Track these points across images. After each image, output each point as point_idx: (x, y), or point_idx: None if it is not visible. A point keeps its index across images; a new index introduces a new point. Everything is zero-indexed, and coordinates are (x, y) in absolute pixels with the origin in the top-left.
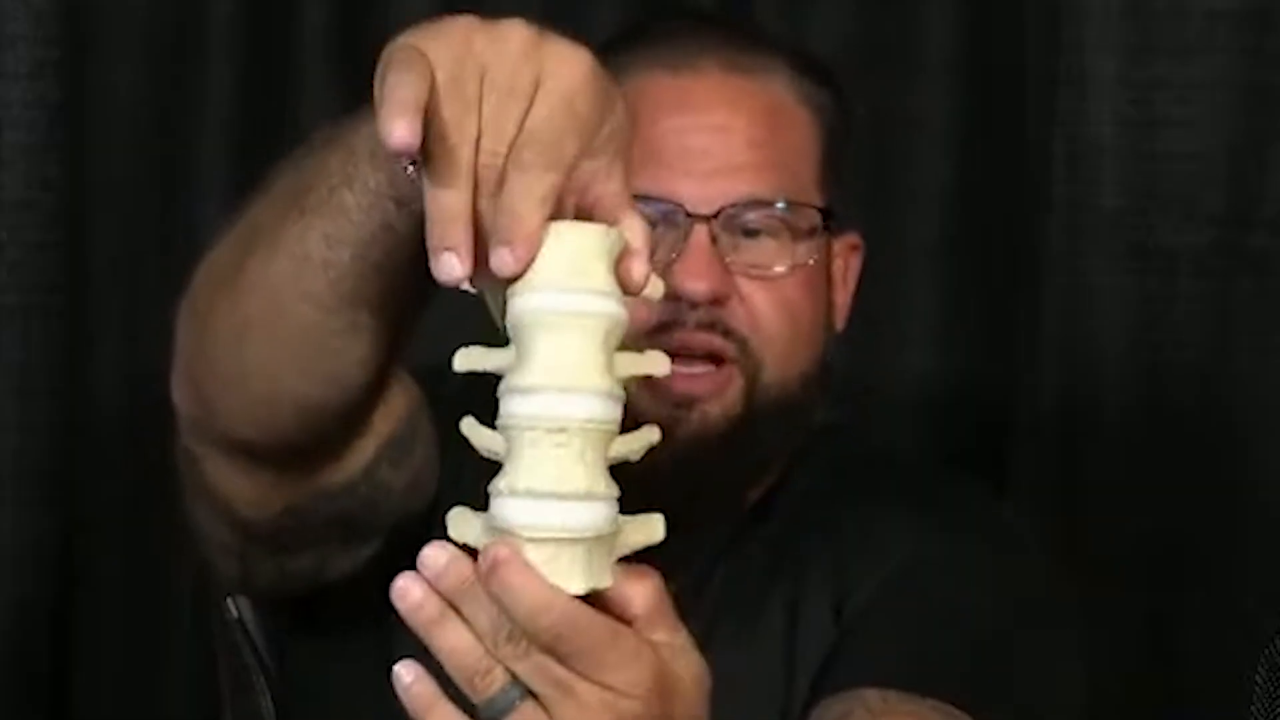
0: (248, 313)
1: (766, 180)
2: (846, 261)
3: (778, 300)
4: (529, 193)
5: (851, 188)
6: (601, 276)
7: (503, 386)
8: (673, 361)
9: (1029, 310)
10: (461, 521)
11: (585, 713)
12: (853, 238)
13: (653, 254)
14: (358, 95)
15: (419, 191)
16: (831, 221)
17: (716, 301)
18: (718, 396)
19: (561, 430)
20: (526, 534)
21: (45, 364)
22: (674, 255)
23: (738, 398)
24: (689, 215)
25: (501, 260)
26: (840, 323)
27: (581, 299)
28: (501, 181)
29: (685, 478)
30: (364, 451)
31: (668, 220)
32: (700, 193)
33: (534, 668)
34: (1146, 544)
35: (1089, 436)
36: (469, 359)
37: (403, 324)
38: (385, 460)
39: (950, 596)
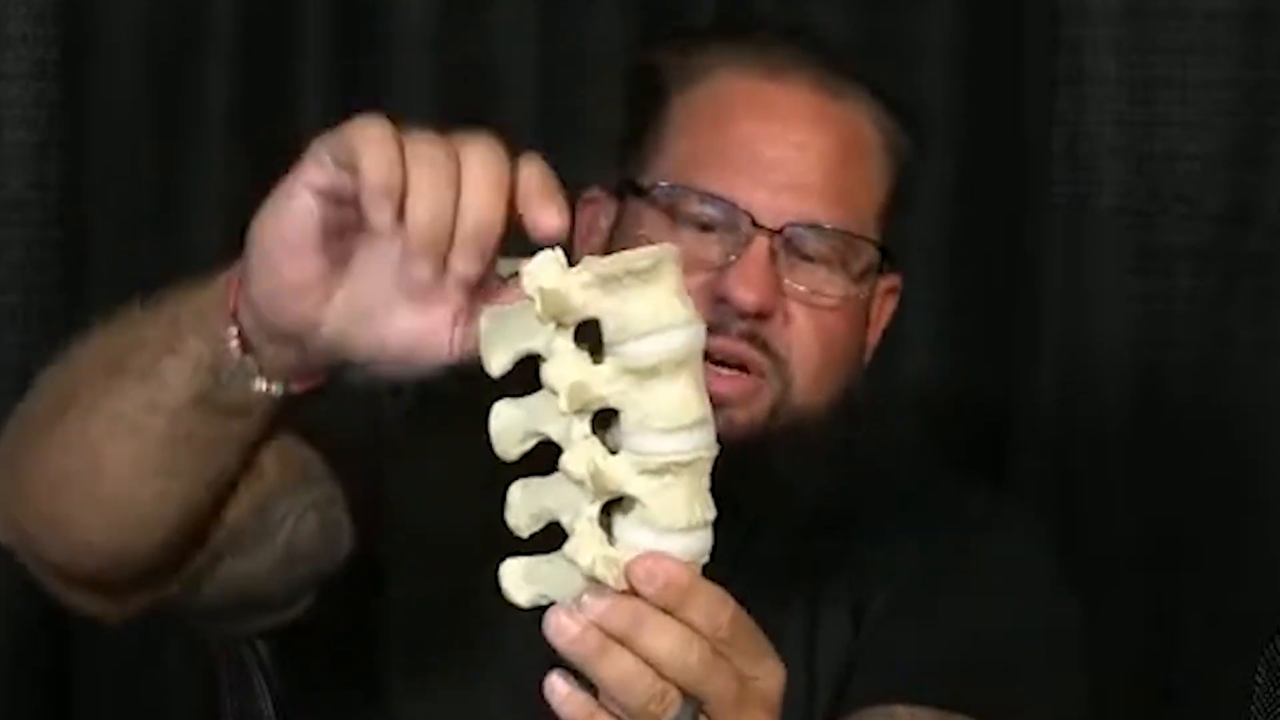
0: (63, 467)
1: (832, 206)
2: (884, 302)
3: (821, 329)
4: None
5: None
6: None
7: (643, 426)
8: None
9: (1028, 310)
10: (558, 573)
11: (748, 710)
12: (893, 280)
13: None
14: (358, 95)
15: (238, 368)
16: (885, 263)
17: (761, 315)
18: (746, 404)
19: (707, 459)
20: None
21: (45, 364)
22: (732, 259)
23: (765, 410)
24: (755, 225)
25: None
26: (866, 360)
27: (695, 331)
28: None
29: None
30: (195, 561)
31: (730, 224)
32: (769, 204)
33: (728, 671)
34: (1145, 543)
35: (1088, 436)
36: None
37: (218, 491)
38: (227, 556)
39: (968, 605)
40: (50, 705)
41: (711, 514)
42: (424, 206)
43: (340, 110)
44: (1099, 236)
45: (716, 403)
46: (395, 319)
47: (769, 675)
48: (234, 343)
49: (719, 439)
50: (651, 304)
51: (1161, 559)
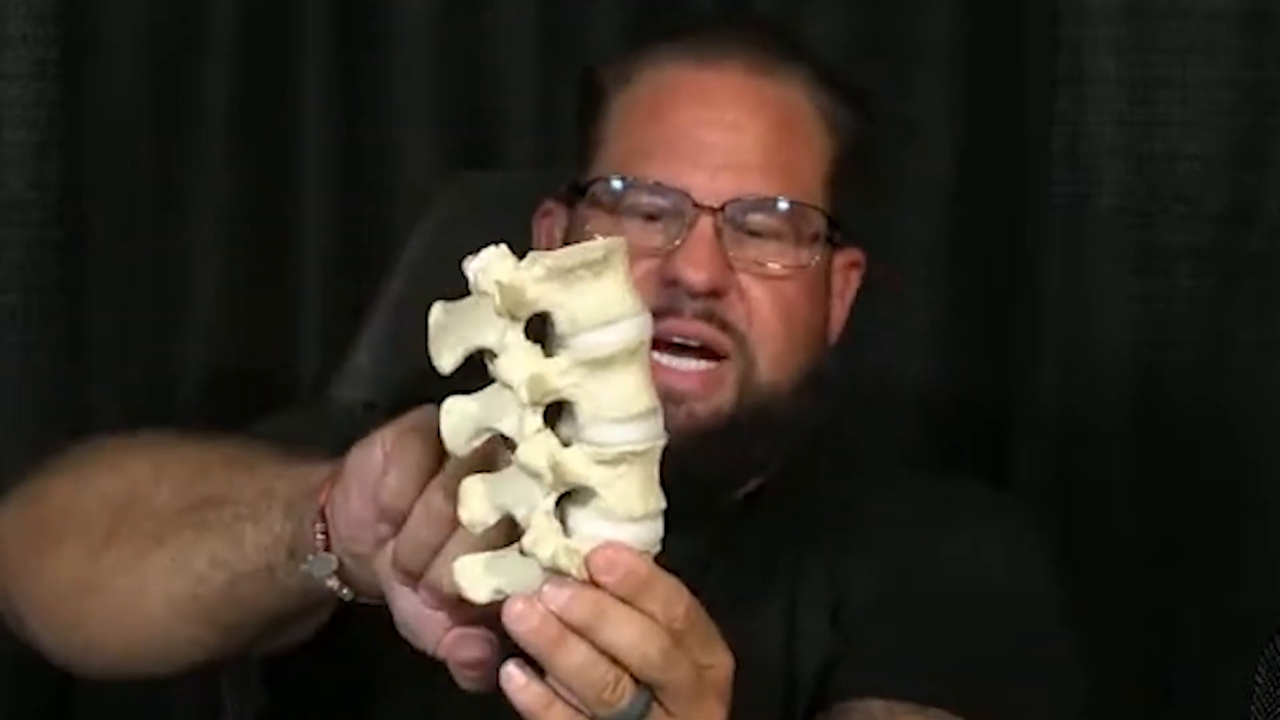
0: (99, 581)
1: (773, 180)
2: (846, 277)
3: (776, 299)
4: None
5: (864, 204)
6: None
7: (598, 417)
8: (666, 350)
9: (1028, 310)
10: (516, 567)
11: (704, 699)
12: (854, 254)
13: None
14: (358, 95)
15: (318, 560)
16: (835, 232)
17: (714, 294)
18: (707, 397)
19: (658, 449)
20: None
21: (45, 364)
22: (677, 243)
23: (729, 396)
24: (696, 206)
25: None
26: (834, 337)
27: (644, 321)
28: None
29: (670, 472)
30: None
31: (674, 210)
32: (708, 185)
33: (687, 661)
34: (1145, 543)
35: (1088, 436)
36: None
37: (250, 645)
38: (263, 641)
39: (950, 600)
40: (50, 704)
41: (662, 503)
42: (405, 544)
43: (340, 110)
44: (1099, 236)
45: (678, 397)
46: (398, 594)
47: (721, 664)
48: (319, 538)
49: (681, 431)
50: (603, 296)
51: (1161, 559)
